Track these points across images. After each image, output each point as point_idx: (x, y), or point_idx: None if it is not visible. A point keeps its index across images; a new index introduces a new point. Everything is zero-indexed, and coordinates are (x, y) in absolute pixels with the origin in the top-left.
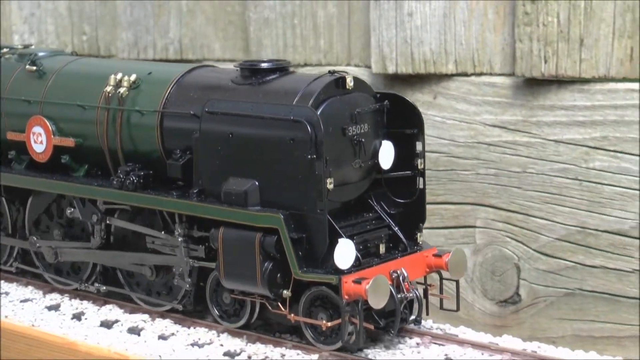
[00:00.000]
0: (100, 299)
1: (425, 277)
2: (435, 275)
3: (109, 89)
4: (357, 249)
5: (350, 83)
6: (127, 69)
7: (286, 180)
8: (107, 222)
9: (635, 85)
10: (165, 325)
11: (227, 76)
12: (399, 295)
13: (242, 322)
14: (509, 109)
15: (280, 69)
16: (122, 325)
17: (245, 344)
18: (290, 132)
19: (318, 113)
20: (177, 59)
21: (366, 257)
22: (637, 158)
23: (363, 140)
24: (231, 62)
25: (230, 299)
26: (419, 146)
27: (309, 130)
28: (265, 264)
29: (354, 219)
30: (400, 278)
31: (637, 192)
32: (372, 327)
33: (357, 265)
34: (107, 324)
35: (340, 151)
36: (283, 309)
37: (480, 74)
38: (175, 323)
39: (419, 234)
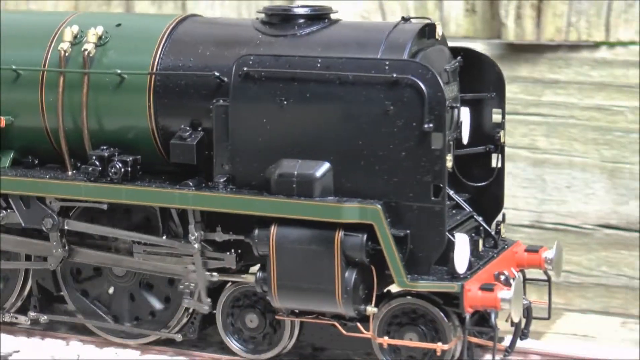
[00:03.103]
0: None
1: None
2: None
3: (64, 46)
4: None
5: (439, 32)
6: (80, 21)
7: (378, 161)
8: (66, 227)
9: None
10: None
11: (244, 27)
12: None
13: (276, 352)
14: None
15: (323, 15)
16: None
17: None
18: (390, 95)
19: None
20: None
21: None
22: None
23: (456, 105)
24: None
25: (257, 322)
26: (497, 115)
27: (424, 92)
28: (348, 274)
29: None
30: (512, 281)
31: None
32: (502, 348)
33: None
34: None
35: None
36: (366, 331)
37: None
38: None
39: (502, 225)
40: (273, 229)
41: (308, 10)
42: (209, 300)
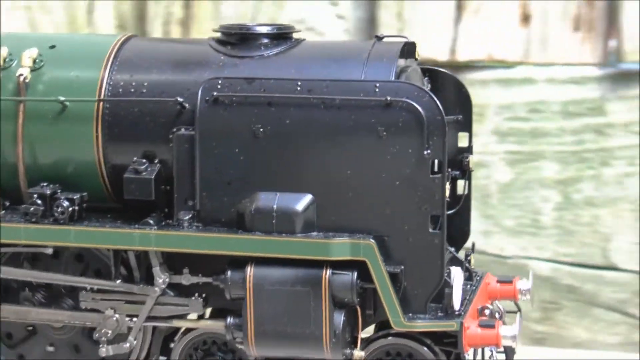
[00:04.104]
0: None
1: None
2: None
3: None
4: None
5: (419, 52)
6: (6, 42)
7: (368, 191)
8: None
9: None
10: None
11: (200, 47)
12: None
13: None
14: None
15: (287, 34)
16: None
17: None
18: (383, 119)
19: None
20: None
21: None
22: None
23: None
24: None
25: None
26: (465, 138)
27: (423, 116)
28: (336, 316)
29: None
30: (497, 315)
31: None
32: None
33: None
34: None
35: None
36: None
37: None
38: None
39: (472, 256)
40: (249, 270)
41: (272, 29)
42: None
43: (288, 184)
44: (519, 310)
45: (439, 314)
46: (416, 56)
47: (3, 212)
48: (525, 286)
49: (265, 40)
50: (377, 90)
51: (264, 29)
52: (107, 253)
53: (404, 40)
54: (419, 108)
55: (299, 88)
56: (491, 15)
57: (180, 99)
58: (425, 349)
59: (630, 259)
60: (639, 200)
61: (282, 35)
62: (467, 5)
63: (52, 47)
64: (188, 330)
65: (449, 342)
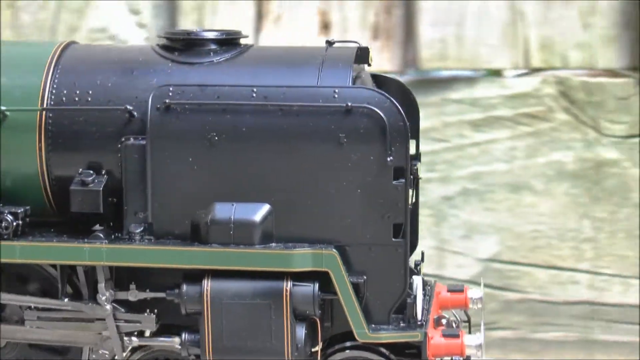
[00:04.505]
0: None
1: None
2: None
3: None
4: None
5: (372, 57)
6: None
7: (328, 200)
8: None
9: None
10: None
11: (144, 53)
12: None
13: None
14: None
15: (235, 40)
16: None
17: None
18: (343, 126)
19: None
20: None
21: None
22: None
23: None
24: None
25: None
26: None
27: (385, 121)
28: (298, 329)
29: None
30: (455, 325)
31: None
32: None
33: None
34: None
35: None
36: None
37: None
38: None
39: (422, 265)
40: (206, 283)
41: (220, 35)
42: None
43: (245, 193)
44: (469, 319)
45: (401, 324)
46: (369, 61)
47: None
48: (477, 295)
49: (213, 46)
50: (335, 96)
51: (211, 35)
52: (51, 270)
53: (356, 45)
54: (381, 114)
55: (254, 95)
56: (292, 24)
57: (130, 107)
58: None
59: (430, 262)
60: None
61: (229, 41)
62: (267, 14)
63: None
64: (135, 348)
65: (411, 353)
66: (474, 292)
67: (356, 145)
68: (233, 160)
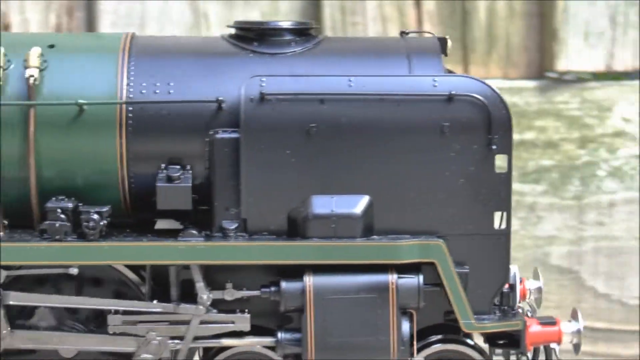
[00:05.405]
0: None
1: None
2: None
3: None
4: None
5: (449, 48)
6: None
7: (430, 190)
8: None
9: None
10: None
11: (217, 44)
12: None
13: None
14: None
15: (308, 30)
16: None
17: None
18: (445, 114)
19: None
20: None
21: None
22: None
23: None
24: None
25: None
26: None
27: (489, 109)
28: (404, 324)
29: None
30: (529, 313)
31: None
32: None
33: None
34: None
35: None
36: None
37: None
38: None
39: None
40: (308, 279)
41: (294, 24)
42: None
43: (343, 185)
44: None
45: (498, 313)
46: (447, 53)
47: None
48: (534, 285)
49: (289, 37)
50: (436, 85)
51: (287, 24)
52: (128, 272)
53: (430, 36)
54: (486, 102)
55: (351, 85)
56: None
57: (221, 98)
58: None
59: None
60: None
61: (304, 31)
62: None
63: (51, 46)
64: (219, 350)
65: (504, 343)
66: (531, 283)
67: (459, 135)
68: (332, 151)
